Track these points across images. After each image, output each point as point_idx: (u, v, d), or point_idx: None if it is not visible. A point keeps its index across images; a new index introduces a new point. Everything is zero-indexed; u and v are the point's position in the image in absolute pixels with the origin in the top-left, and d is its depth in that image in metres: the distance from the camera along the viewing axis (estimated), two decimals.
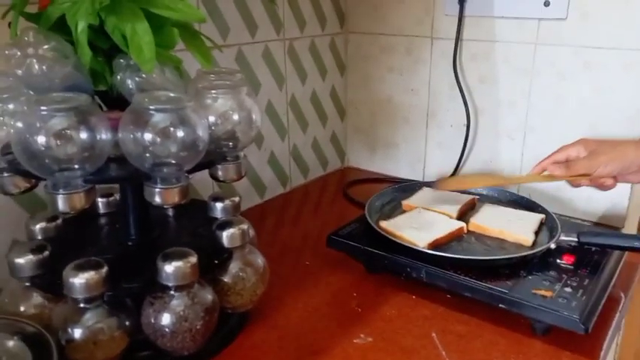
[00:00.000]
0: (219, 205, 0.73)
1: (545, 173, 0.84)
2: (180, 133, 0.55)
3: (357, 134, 1.32)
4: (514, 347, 0.67)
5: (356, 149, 1.33)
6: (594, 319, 0.64)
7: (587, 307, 0.65)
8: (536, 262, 0.74)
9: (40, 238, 0.66)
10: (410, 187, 0.99)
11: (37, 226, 0.66)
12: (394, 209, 0.93)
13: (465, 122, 1.10)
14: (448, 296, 0.76)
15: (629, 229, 0.99)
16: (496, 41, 1.04)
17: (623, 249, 0.77)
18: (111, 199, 0.75)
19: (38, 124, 0.51)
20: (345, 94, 1.30)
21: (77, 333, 0.56)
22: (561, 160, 0.83)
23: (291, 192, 1.19)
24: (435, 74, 1.14)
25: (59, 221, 0.68)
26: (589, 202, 1.00)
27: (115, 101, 0.61)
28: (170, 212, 0.77)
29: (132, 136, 0.54)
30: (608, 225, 0.98)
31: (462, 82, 1.09)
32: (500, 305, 0.68)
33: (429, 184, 1.00)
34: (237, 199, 0.74)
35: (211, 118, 0.63)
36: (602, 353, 0.66)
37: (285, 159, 1.17)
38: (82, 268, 0.56)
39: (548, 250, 0.76)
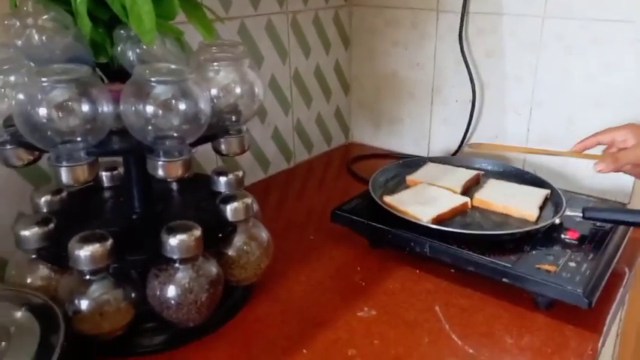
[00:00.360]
0: (222, 180, 0.73)
1: (589, 152, 0.81)
2: (182, 106, 0.55)
3: (361, 109, 1.31)
4: (516, 321, 0.67)
5: (360, 124, 1.32)
6: (598, 294, 0.64)
7: (591, 282, 0.65)
8: (541, 237, 0.74)
9: (45, 210, 0.66)
10: (414, 162, 0.99)
11: (42, 199, 0.67)
12: (398, 184, 0.93)
13: (471, 98, 1.09)
14: (452, 271, 0.76)
15: (635, 204, 0.98)
16: (503, 14, 1.02)
17: (628, 224, 0.76)
18: (115, 172, 0.75)
19: (39, 96, 0.51)
20: (349, 69, 1.28)
21: (84, 304, 0.56)
22: (606, 143, 0.80)
23: (295, 167, 1.19)
24: (441, 49, 1.13)
25: (64, 194, 0.68)
26: (594, 177, 1.00)
27: (117, 73, 0.61)
28: (174, 186, 0.77)
29: (133, 108, 0.54)
30: (613, 201, 0.97)
31: (467, 56, 1.08)
32: (504, 280, 0.68)
33: (433, 160, 0.99)
34: (240, 173, 0.74)
35: (213, 91, 0.63)
36: (604, 328, 0.66)
37: (289, 134, 1.16)
38: (87, 241, 0.56)
39: (553, 225, 0.76)
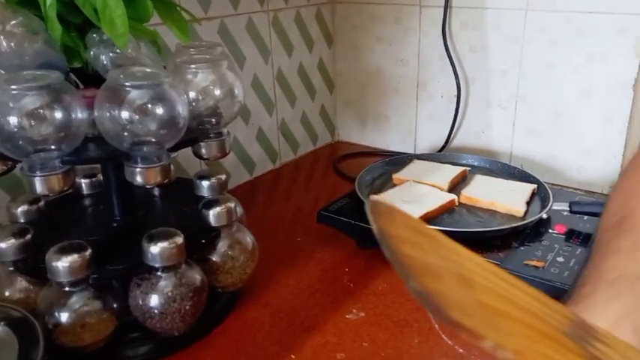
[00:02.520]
0: (205, 184, 0.71)
1: None
2: (158, 110, 0.53)
3: (346, 107, 1.30)
4: None
5: (346, 123, 1.31)
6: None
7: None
8: (529, 233, 0.74)
9: (22, 220, 0.65)
10: (400, 160, 0.98)
11: (19, 209, 0.65)
12: (385, 183, 0.92)
13: (456, 93, 1.09)
14: None
15: None
16: (486, 8, 1.02)
17: None
18: (94, 179, 0.73)
19: (10, 104, 0.49)
20: (333, 66, 1.27)
21: (64, 317, 0.55)
22: None
23: (280, 168, 1.17)
24: (425, 44, 1.12)
25: (41, 203, 0.66)
26: (581, 171, 1.00)
27: (93, 78, 0.59)
28: (155, 192, 0.75)
29: (108, 114, 0.52)
30: (600, 193, 0.97)
31: (452, 51, 1.07)
32: None
33: (419, 157, 0.98)
34: (223, 176, 0.73)
35: (192, 94, 0.61)
36: None
37: (274, 134, 1.15)
38: (65, 252, 0.54)
39: (541, 220, 0.76)
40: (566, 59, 0.96)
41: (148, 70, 0.55)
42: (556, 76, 0.98)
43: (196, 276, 0.60)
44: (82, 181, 0.73)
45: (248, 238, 0.68)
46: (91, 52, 0.57)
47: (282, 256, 0.81)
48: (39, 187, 0.52)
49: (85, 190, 0.73)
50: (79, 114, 0.52)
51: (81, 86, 0.61)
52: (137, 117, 0.52)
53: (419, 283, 0.27)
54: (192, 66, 0.61)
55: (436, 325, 0.66)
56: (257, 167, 1.12)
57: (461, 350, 0.61)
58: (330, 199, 0.86)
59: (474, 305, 0.29)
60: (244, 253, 0.67)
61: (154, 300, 0.57)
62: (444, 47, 1.07)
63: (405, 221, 0.33)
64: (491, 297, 0.32)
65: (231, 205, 0.66)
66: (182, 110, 0.55)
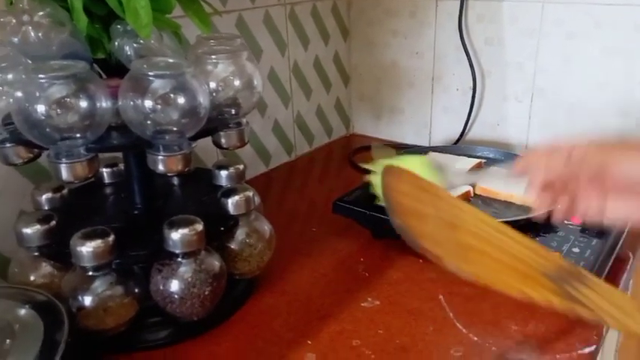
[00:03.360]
0: (223, 173, 0.72)
1: None
2: (180, 100, 0.54)
3: (361, 100, 1.30)
4: (521, 308, 0.67)
5: (361, 116, 1.32)
6: (602, 279, 0.64)
7: (595, 268, 0.65)
8: (544, 224, 0.74)
9: (46, 208, 0.66)
10: (416, 151, 0.99)
11: (43, 197, 0.67)
12: None
13: (472, 86, 1.09)
14: None
15: None
16: (503, 0, 1.02)
17: None
18: (115, 168, 0.75)
19: (37, 93, 0.51)
20: (348, 60, 1.28)
21: (87, 300, 0.56)
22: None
23: (296, 160, 1.19)
24: (441, 37, 1.12)
25: (65, 191, 0.68)
26: None
27: (115, 69, 0.61)
28: (175, 181, 0.77)
29: (132, 103, 0.54)
30: None
31: (467, 44, 1.07)
32: None
33: (435, 149, 0.99)
34: (241, 166, 0.74)
35: (212, 84, 0.62)
36: None
37: (290, 127, 1.16)
38: (89, 237, 0.56)
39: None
40: (582, 52, 0.96)
41: (171, 60, 0.56)
42: (573, 70, 0.98)
43: (215, 262, 0.62)
44: (104, 170, 0.74)
45: (266, 227, 0.70)
46: (115, 43, 0.58)
47: (297, 246, 0.83)
48: (65, 173, 0.54)
49: (107, 179, 0.75)
50: (104, 103, 0.54)
51: (104, 77, 0.62)
52: (160, 106, 0.54)
53: (401, 220, 0.39)
54: (213, 57, 0.62)
55: (450, 314, 0.66)
56: (273, 159, 1.13)
57: (476, 338, 0.62)
58: (345, 190, 0.87)
59: (449, 240, 0.40)
60: (262, 241, 0.68)
61: (175, 285, 0.59)
62: (459, 40, 1.07)
63: (412, 180, 0.43)
64: (472, 238, 0.41)
65: (250, 193, 0.67)
66: (203, 100, 0.56)
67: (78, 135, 0.54)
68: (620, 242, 0.72)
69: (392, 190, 0.40)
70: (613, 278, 0.69)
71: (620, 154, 0.43)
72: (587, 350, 0.60)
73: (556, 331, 0.63)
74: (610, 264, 0.67)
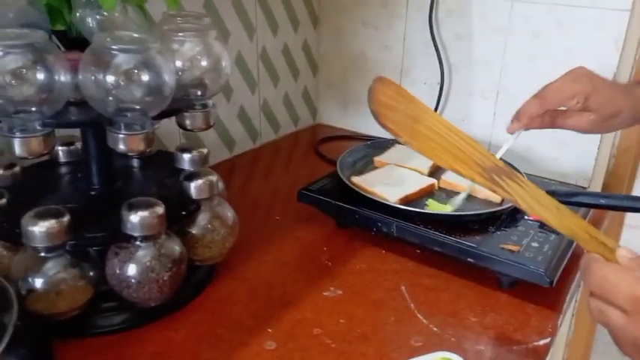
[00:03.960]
0: (186, 157, 0.70)
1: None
2: (145, 77, 0.52)
3: (329, 90, 1.29)
4: (480, 300, 0.68)
5: (327, 106, 1.31)
6: (559, 274, 0.66)
7: (553, 262, 0.66)
8: (505, 219, 0.75)
9: None
10: (382, 143, 0.99)
11: None
12: (366, 165, 0.92)
13: (439, 80, 1.09)
14: (417, 251, 0.76)
15: (594, 188, 1.01)
16: None
17: (588, 206, 0.78)
18: (72, 147, 0.71)
19: None
20: (317, 48, 1.26)
21: (38, 283, 0.54)
22: (551, 107, 0.68)
23: (261, 147, 1.17)
24: (410, 29, 1.12)
25: (17, 169, 0.65)
26: (556, 162, 1.02)
27: (75, 42, 0.58)
28: (135, 163, 0.74)
29: (93, 78, 0.51)
30: (574, 184, 1.00)
31: (437, 38, 1.08)
32: (469, 259, 0.69)
33: (400, 142, 0.99)
34: (205, 150, 0.72)
35: (178, 63, 0.60)
36: (564, 306, 0.67)
37: (256, 114, 1.14)
38: (42, 216, 0.53)
39: (517, 207, 0.77)
40: (547, 51, 0.98)
41: (136, 35, 0.54)
42: (537, 68, 0.99)
43: (176, 247, 0.60)
44: (60, 148, 0.71)
45: (229, 213, 0.68)
46: (77, 14, 0.55)
47: (260, 234, 0.81)
48: (18, 149, 0.51)
49: (62, 158, 0.72)
50: (62, 76, 0.51)
51: (63, 50, 0.59)
52: (123, 82, 0.51)
53: (375, 107, 0.49)
54: (180, 34, 0.60)
55: (412, 305, 0.67)
56: (237, 146, 1.11)
57: (435, 329, 0.62)
58: (310, 180, 0.86)
59: (408, 126, 0.51)
60: (224, 227, 0.67)
61: (132, 269, 0.57)
62: (429, 34, 1.07)
63: (394, 87, 0.54)
64: (426, 130, 0.52)
65: (213, 178, 0.66)
66: (169, 78, 0.54)
67: (34, 109, 0.51)
68: (584, 254, 0.74)
69: (376, 88, 0.51)
70: (569, 273, 0.71)
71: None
72: (542, 342, 0.61)
73: (513, 323, 0.64)
74: (567, 259, 0.69)
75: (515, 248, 0.68)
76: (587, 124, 0.69)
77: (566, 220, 0.48)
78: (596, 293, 0.44)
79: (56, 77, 0.51)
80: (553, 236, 0.71)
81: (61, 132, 0.68)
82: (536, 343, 0.61)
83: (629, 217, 1.23)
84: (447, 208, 0.76)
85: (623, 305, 0.41)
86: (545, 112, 0.69)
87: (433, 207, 0.78)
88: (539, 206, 0.49)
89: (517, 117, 0.71)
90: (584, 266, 0.45)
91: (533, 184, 0.50)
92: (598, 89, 0.67)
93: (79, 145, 0.72)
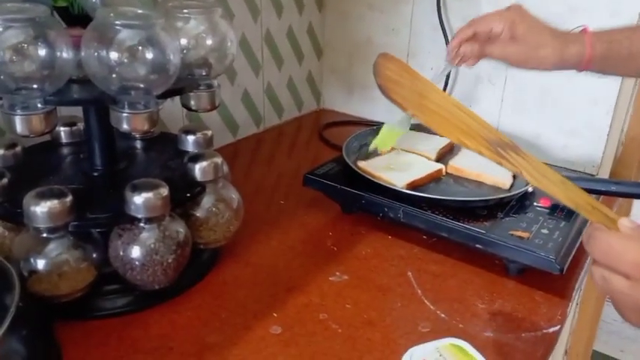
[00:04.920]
0: (190, 138, 0.69)
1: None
2: (149, 54, 0.51)
3: (333, 74, 1.28)
4: (488, 286, 0.67)
5: (332, 90, 1.29)
6: (569, 261, 0.65)
7: (563, 249, 0.65)
8: (514, 205, 0.74)
9: None
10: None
11: None
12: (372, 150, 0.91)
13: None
14: (423, 237, 0.75)
15: (602, 175, 0.99)
16: None
17: (598, 193, 0.77)
18: (74, 128, 0.70)
19: None
20: (322, 32, 1.25)
21: (40, 264, 0.53)
22: (483, 32, 0.72)
23: (264, 132, 1.15)
24: (418, 13, 1.10)
25: (18, 149, 0.63)
26: (565, 149, 1.00)
27: (77, 19, 0.56)
28: (137, 144, 0.73)
29: (96, 54, 0.50)
30: (582, 172, 0.98)
31: (445, 22, 1.06)
32: (477, 246, 0.68)
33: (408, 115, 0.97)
34: (209, 132, 0.71)
35: (183, 41, 0.59)
36: (573, 294, 0.67)
37: (259, 97, 1.12)
38: (44, 197, 0.52)
39: (526, 193, 0.76)
40: None
41: (140, 10, 0.53)
42: None
43: (180, 229, 0.59)
44: (62, 129, 0.70)
45: (233, 195, 0.67)
46: None
47: (264, 218, 0.80)
48: (19, 126, 0.50)
49: (64, 139, 0.70)
50: (65, 53, 0.50)
51: (64, 26, 0.58)
52: (126, 59, 0.50)
53: (382, 81, 0.54)
54: (185, 11, 0.58)
55: (418, 291, 0.66)
56: (240, 129, 1.10)
57: (443, 315, 0.62)
58: (314, 165, 0.85)
59: (414, 101, 0.54)
60: (229, 210, 0.66)
61: (136, 251, 0.56)
62: (437, 18, 1.05)
63: (399, 63, 0.57)
64: (432, 105, 0.53)
65: (218, 160, 0.64)
66: (174, 56, 0.53)
67: (35, 86, 0.50)
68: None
69: (381, 63, 0.55)
70: (578, 260, 0.70)
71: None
72: (551, 330, 0.60)
73: (522, 311, 0.63)
74: (577, 246, 0.68)
75: (524, 235, 0.67)
76: (513, 53, 0.72)
77: (570, 193, 0.49)
78: (600, 261, 0.44)
79: (58, 53, 0.50)
80: (563, 223, 0.70)
81: (62, 112, 0.67)
82: (545, 331, 0.60)
83: (637, 204, 1.22)
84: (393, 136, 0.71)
85: (628, 271, 0.42)
86: (475, 40, 0.73)
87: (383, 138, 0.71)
88: (544, 179, 0.49)
89: (450, 41, 0.76)
90: (589, 235, 0.45)
91: (536, 159, 0.51)
92: (525, 18, 0.71)
93: (80, 126, 0.70)
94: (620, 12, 0.89)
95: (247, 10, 1.02)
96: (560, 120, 1.00)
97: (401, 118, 0.67)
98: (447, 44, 1.06)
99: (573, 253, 0.66)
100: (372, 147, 0.78)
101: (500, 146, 0.50)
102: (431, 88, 0.55)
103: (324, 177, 0.80)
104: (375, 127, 0.99)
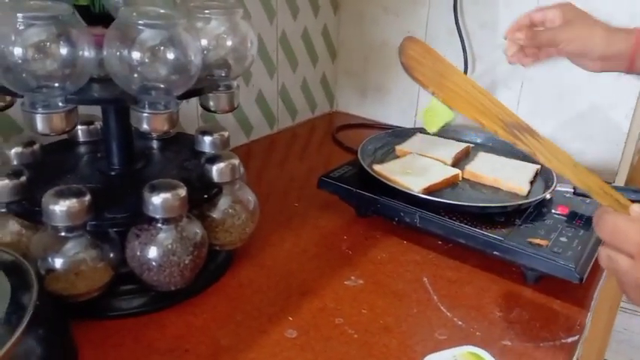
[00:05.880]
0: (207, 139, 0.69)
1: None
2: (170, 54, 0.51)
3: (347, 77, 1.27)
4: (505, 294, 0.66)
5: (345, 93, 1.29)
6: (589, 269, 0.64)
7: (583, 257, 0.64)
8: (531, 212, 0.73)
9: (15, 163, 0.62)
10: (404, 132, 0.97)
11: (13, 151, 0.62)
12: (387, 154, 0.90)
13: (462, 69, 1.07)
14: (439, 242, 0.75)
15: (620, 183, 0.98)
16: None
17: None
18: (92, 127, 0.70)
19: (14, 33, 0.46)
20: (337, 34, 1.24)
21: (58, 263, 0.53)
22: (537, 21, 0.79)
23: (278, 133, 1.15)
24: (434, 16, 1.09)
25: (36, 147, 0.63)
26: (582, 155, 0.99)
27: (98, 18, 0.56)
28: (154, 144, 0.73)
29: (118, 54, 0.50)
30: None
31: (461, 26, 1.05)
32: (495, 253, 0.67)
33: (422, 131, 0.97)
34: (226, 133, 0.70)
35: (203, 42, 0.59)
36: (592, 303, 0.66)
37: (274, 99, 1.12)
38: (63, 195, 0.52)
39: (543, 200, 0.75)
40: None
41: (162, 10, 0.52)
42: (564, 59, 0.96)
43: (197, 231, 0.58)
44: (79, 128, 0.70)
45: (250, 197, 0.67)
46: None
47: (278, 220, 0.80)
48: (40, 125, 0.50)
49: (82, 138, 0.70)
50: (87, 51, 0.50)
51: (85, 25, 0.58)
52: (148, 59, 0.50)
53: (405, 59, 0.59)
54: (206, 11, 0.58)
55: (434, 297, 0.65)
56: (254, 130, 1.10)
57: (460, 322, 0.61)
58: (327, 167, 0.84)
59: (435, 80, 0.58)
60: (245, 212, 0.65)
61: (153, 252, 0.55)
62: (453, 21, 1.05)
63: (423, 45, 0.62)
64: (453, 85, 0.57)
65: (235, 161, 0.64)
66: (195, 57, 0.52)
67: (56, 84, 0.50)
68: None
69: (406, 44, 0.59)
70: (596, 269, 0.69)
71: None
72: (570, 340, 0.59)
73: (540, 319, 0.62)
74: (596, 255, 0.67)
75: (543, 242, 0.66)
76: (564, 39, 0.76)
77: (583, 177, 0.51)
78: (607, 241, 0.46)
79: (80, 52, 0.49)
80: (582, 231, 0.69)
81: (80, 111, 0.66)
82: (564, 341, 0.59)
83: None
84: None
85: (632, 251, 0.44)
86: (531, 26, 0.79)
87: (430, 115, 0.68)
88: (557, 161, 0.52)
89: (507, 31, 0.81)
90: (598, 217, 0.47)
91: (553, 143, 0.54)
92: (577, 9, 0.78)
93: (98, 124, 0.70)
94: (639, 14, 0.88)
95: (263, 11, 1.02)
96: (577, 125, 0.99)
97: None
98: (463, 47, 1.06)
99: (593, 261, 0.65)
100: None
101: (517, 128, 0.53)
102: (452, 70, 0.60)
103: (339, 180, 0.80)
104: (390, 130, 0.99)
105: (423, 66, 0.58)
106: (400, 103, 1.20)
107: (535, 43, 0.79)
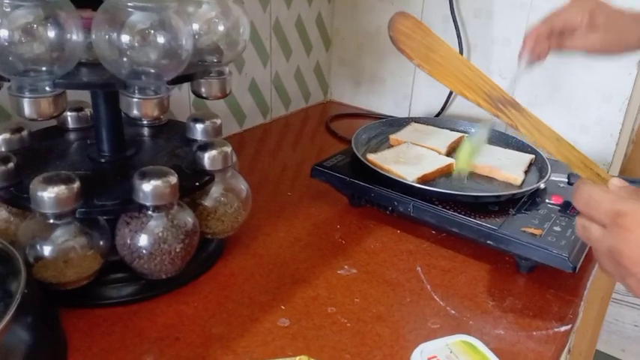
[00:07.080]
0: (199, 127, 0.68)
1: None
2: (161, 38, 0.50)
3: (341, 66, 1.26)
4: (499, 284, 0.66)
5: (339, 82, 1.28)
6: (582, 259, 0.64)
7: (576, 247, 0.64)
8: (525, 202, 0.73)
9: (3, 150, 0.61)
10: (397, 121, 0.96)
11: (0, 137, 0.61)
12: (381, 143, 0.90)
13: None
14: (432, 232, 0.75)
15: (613, 174, 0.98)
16: None
17: None
18: (81, 113, 0.69)
19: (0, 16, 0.45)
20: (331, 22, 1.23)
21: (46, 250, 0.52)
22: (559, 28, 0.69)
23: (271, 122, 1.14)
24: (429, 4, 1.08)
25: (24, 133, 0.62)
26: (576, 146, 0.98)
27: (87, 1, 0.55)
28: (145, 131, 0.72)
29: (107, 37, 0.49)
30: None
31: (456, 14, 1.04)
32: (489, 242, 0.67)
33: (417, 120, 0.96)
34: (218, 120, 0.70)
35: (194, 26, 0.57)
36: (585, 292, 0.66)
37: (267, 87, 1.11)
38: (51, 182, 0.51)
39: (537, 190, 0.75)
40: None
41: None
42: None
43: (188, 219, 0.58)
44: (68, 114, 0.69)
45: (242, 186, 0.66)
46: None
47: (271, 209, 0.79)
48: (27, 109, 0.49)
49: (71, 124, 0.69)
50: (75, 35, 0.49)
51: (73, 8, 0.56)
52: (137, 43, 0.49)
53: (393, 33, 0.58)
54: None
55: (428, 286, 0.65)
56: (247, 119, 1.08)
57: (453, 312, 0.61)
58: (321, 157, 0.84)
59: (422, 53, 0.57)
60: (237, 201, 0.65)
61: (143, 240, 0.55)
62: (448, 10, 1.04)
63: (415, 22, 0.61)
64: (441, 59, 0.58)
65: (227, 149, 0.63)
66: (186, 41, 0.51)
67: (44, 68, 0.49)
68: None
69: (396, 19, 0.59)
70: (589, 259, 0.69)
71: None
72: (562, 329, 0.59)
73: (533, 309, 0.62)
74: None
75: (537, 232, 0.66)
76: (596, 42, 0.69)
77: (564, 150, 0.52)
78: (581, 211, 0.47)
79: (68, 35, 0.48)
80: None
81: (70, 97, 0.65)
82: (556, 330, 0.59)
83: None
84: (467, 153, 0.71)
85: (603, 220, 0.44)
86: (551, 35, 0.70)
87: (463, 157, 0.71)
88: (539, 135, 0.52)
89: (524, 40, 0.71)
90: (575, 187, 0.47)
91: (538, 118, 0.55)
92: (602, 5, 0.69)
93: (88, 111, 0.69)
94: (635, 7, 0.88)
95: None
96: (571, 116, 0.99)
97: (477, 132, 0.72)
98: (458, 35, 1.05)
99: (586, 251, 0.65)
100: (455, 172, 0.79)
101: (501, 102, 0.55)
102: (441, 44, 0.60)
103: (332, 169, 0.79)
104: (383, 119, 0.98)
105: (412, 40, 0.58)
106: (394, 92, 1.19)
107: (562, 48, 0.71)
